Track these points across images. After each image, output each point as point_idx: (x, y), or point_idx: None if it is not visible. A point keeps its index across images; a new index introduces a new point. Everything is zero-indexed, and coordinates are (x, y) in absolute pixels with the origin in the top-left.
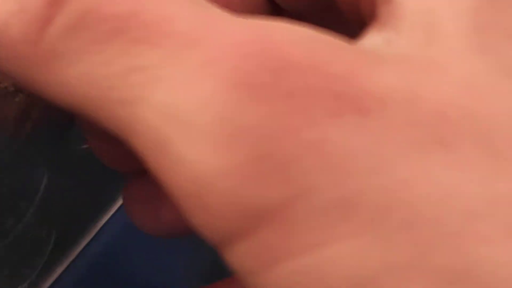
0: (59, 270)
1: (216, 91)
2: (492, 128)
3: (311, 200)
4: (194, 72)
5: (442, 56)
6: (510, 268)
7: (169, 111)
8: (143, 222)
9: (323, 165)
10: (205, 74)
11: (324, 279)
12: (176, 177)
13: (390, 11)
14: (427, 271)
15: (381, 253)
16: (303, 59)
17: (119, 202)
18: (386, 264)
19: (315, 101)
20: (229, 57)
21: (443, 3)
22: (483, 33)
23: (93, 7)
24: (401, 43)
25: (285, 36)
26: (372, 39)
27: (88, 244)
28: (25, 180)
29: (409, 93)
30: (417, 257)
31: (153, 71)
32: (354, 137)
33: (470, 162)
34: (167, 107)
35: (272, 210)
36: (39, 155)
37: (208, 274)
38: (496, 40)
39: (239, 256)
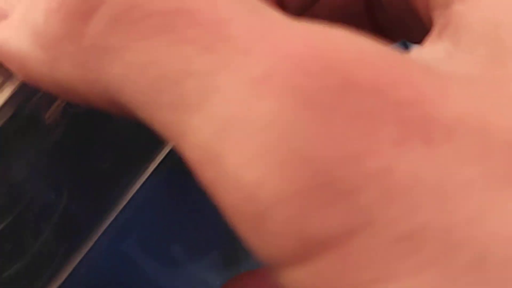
0: (62, 277)
1: (278, 109)
2: None
3: (374, 233)
4: (253, 84)
5: (509, 78)
6: None
7: (226, 125)
8: None
9: (387, 197)
10: (265, 88)
11: None
12: (230, 196)
13: (447, 17)
14: None
15: None
16: (368, 79)
17: (119, 207)
18: None
19: (380, 127)
20: (290, 72)
21: (507, 17)
22: None
23: (139, 1)
24: (463, 58)
25: (348, 50)
26: (433, 49)
27: (90, 249)
28: (45, 200)
29: (479, 121)
30: None
31: (207, 78)
32: (421, 167)
33: None
34: (223, 120)
35: (332, 240)
36: (60, 174)
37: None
38: None
39: (294, 281)
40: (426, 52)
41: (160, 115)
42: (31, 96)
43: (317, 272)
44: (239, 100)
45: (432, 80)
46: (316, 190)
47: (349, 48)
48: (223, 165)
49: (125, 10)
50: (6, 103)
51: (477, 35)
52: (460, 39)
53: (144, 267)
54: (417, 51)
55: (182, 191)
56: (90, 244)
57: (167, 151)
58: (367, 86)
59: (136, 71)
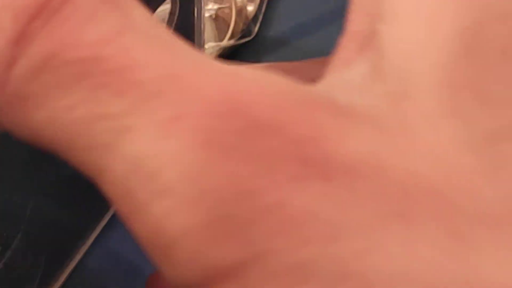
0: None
1: (183, 149)
2: (454, 206)
3: (266, 263)
4: (162, 126)
5: (413, 117)
6: None
7: (136, 163)
8: None
9: (281, 229)
10: (172, 129)
11: None
12: (142, 229)
13: (371, 34)
14: None
15: None
16: (269, 119)
17: (105, 221)
18: None
19: (279, 165)
20: (198, 114)
21: (419, 49)
22: (457, 94)
23: (57, 50)
24: (376, 89)
25: (254, 92)
26: (351, 72)
27: (77, 266)
28: (11, 206)
29: (376, 161)
30: None
31: (119, 121)
32: (315, 202)
33: (428, 240)
34: (134, 159)
35: (230, 271)
36: (23, 180)
37: None
38: (469, 103)
39: None
40: (343, 76)
41: (78, 156)
42: None
43: None
44: (147, 140)
45: (333, 117)
46: (215, 224)
47: (255, 90)
48: (134, 200)
49: (45, 58)
50: None
51: (391, 64)
52: (378, 66)
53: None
54: (334, 75)
55: None
56: (76, 261)
57: None
58: (268, 125)
59: (55, 117)
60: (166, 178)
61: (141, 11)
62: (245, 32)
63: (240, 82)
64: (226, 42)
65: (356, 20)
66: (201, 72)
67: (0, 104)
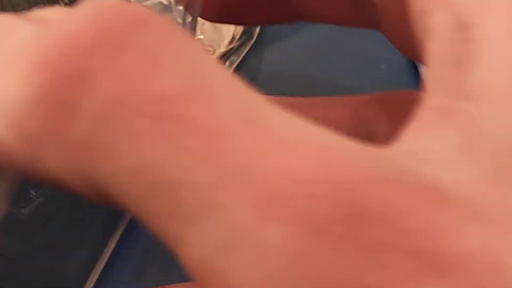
0: None
1: (288, 235)
2: None
3: None
4: (259, 205)
5: None
6: None
7: (230, 243)
8: None
9: None
10: (271, 211)
11: None
12: None
13: (452, 109)
14: None
15: None
16: (375, 208)
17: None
18: None
19: (391, 259)
20: (297, 196)
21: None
22: None
23: (126, 95)
24: (471, 171)
25: (354, 173)
26: (438, 142)
27: None
28: None
29: (491, 257)
30: None
31: (207, 192)
32: None
33: None
34: (227, 238)
35: None
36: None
37: None
38: None
39: None
40: (423, 144)
41: (156, 220)
42: None
43: None
44: (244, 220)
45: (440, 208)
46: None
47: (356, 170)
48: (228, 283)
49: (110, 107)
50: None
51: (484, 146)
52: (467, 145)
53: None
54: (412, 141)
55: None
56: None
57: None
58: (374, 215)
59: (129, 174)
60: (272, 265)
61: (217, 68)
62: (246, 34)
63: (339, 159)
64: (226, 47)
65: (434, 95)
66: (290, 144)
67: (59, 154)
